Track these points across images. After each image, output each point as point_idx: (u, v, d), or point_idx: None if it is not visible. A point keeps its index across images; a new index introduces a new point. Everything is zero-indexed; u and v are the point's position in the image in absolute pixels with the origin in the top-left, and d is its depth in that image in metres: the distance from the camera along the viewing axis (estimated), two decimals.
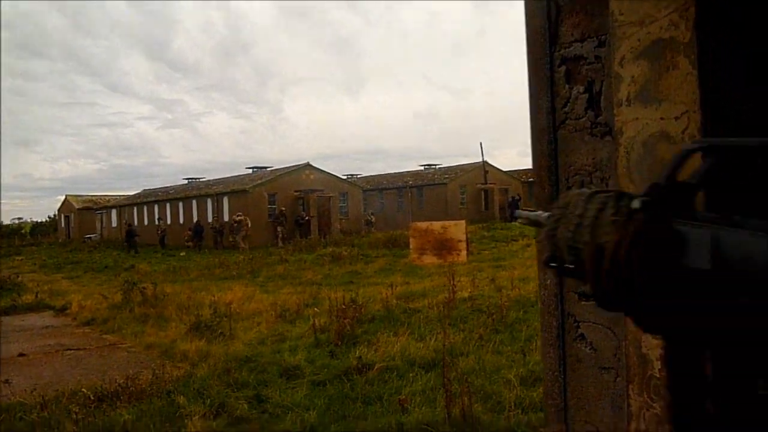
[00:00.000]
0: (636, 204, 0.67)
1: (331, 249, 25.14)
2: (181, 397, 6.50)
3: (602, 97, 1.98)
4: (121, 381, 6.94)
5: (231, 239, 36.24)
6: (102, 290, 16.65)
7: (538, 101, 1.93)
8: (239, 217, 35.83)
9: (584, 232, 0.71)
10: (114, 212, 57.91)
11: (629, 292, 0.66)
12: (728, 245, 0.59)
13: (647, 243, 0.64)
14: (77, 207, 63.11)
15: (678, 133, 1.46)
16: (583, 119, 2.01)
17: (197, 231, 38.09)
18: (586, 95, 2.00)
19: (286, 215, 38.17)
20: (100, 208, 60.59)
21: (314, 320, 9.71)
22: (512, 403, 5.70)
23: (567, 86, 2.02)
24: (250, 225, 35.74)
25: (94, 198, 66.47)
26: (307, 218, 38.83)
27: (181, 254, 33.44)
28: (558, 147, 2.03)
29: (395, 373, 7.06)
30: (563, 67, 2.06)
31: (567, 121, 2.02)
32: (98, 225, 59.77)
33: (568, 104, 2.02)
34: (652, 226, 0.65)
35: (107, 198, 66.39)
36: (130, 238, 38.43)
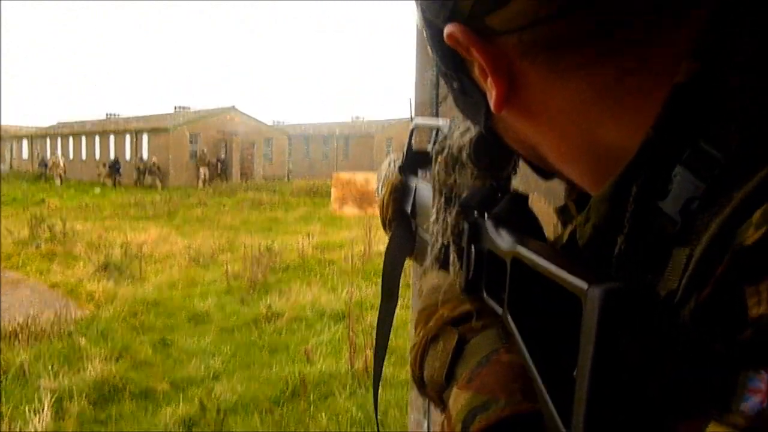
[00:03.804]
0: (392, 165, 0.99)
1: (252, 194, 24.83)
2: (83, 338, 6.39)
3: None
4: (21, 320, 6.74)
5: (150, 180, 35.21)
6: (7, 224, 15.93)
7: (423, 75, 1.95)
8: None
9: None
10: (24, 143, 55.03)
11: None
12: (421, 193, 0.85)
13: (392, 190, 0.94)
14: None
15: None
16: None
17: (115, 167, 36.74)
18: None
19: (208, 157, 37.25)
20: (8, 138, 57.26)
21: (228, 266, 9.65)
22: None
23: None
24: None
25: None
26: (220, 159, 38.15)
27: (96, 191, 32.27)
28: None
29: (304, 323, 7.14)
30: None
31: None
32: (7, 155, 56.69)
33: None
34: (396, 180, 0.94)
35: (16, 127, 62.79)
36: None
